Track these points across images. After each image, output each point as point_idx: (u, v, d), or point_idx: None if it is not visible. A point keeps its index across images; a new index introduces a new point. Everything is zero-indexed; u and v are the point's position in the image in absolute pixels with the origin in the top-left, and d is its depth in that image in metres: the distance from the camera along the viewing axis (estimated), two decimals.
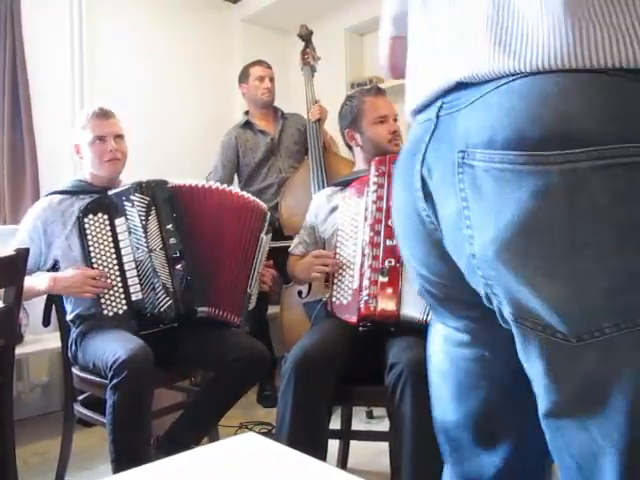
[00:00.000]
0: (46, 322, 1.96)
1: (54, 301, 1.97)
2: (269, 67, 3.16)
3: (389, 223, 1.68)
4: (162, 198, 1.91)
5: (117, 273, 1.86)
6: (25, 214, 2.00)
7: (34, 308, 2.25)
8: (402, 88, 3.56)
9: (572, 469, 0.66)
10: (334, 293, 1.76)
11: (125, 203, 1.89)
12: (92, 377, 1.82)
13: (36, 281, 1.85)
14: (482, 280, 0.69)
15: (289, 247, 2.09)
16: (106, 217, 1.89)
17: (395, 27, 0.97)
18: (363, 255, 1.70)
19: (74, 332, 1.92)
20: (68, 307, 1.97)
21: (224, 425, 2.13)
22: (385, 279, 1.65)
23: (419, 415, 1.42)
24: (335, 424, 1.86)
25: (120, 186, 1.96)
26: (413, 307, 1.61)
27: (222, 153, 3.08)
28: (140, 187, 1.89)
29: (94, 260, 1.86)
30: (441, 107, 0.73)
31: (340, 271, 1.76)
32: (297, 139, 3.13)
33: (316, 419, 1.56)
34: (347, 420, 2.07)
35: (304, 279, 1.96)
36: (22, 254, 1.54)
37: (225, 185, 2.03)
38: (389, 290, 1.64)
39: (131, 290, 1.85)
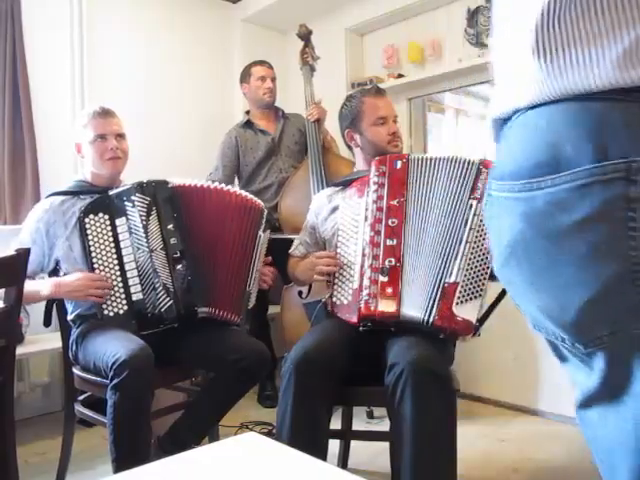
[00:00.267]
0: (47, 322, 1.96)
1: (55, 301, 1.97)
2: (270, 67, 3.16)
3: (389, 223, 1.68)
4: (163, 198, 1.91)
5: (118, 273, 1.86)
6: (25, 214, 2.00)
7: (35, 308, 2.25)
8: (402, 88, 3.58)
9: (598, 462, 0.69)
10: (334, 293, 1.76)
11: (126, 203, 1.89)
12: (93, 377, 1.82)
13: (40, 286, 1.85)
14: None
15: (288, 240, 2.09)
16: (107, 217, 1.89)
17: None
18: (363, 255, 1.70)
19: (74, 332, 1.92)
20: (69, 307, 1.97)
21: (224, 425, 2.14)
22: (385, 279, 1.65)
23: (419, 415, 1.42)
24: (335, 424, 1.86)
25: (121, 186, 1.96)
26: (413, 307, 1.61)
27: (222, 153, 3.08)
28: (141, 187, 1.89)
29: (95, 260, 1.86)
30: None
31: (340, 271, 1.76)
32: (298, 139, 3.13)
33: (316, 419, 1.56)
34: (347, 420, 2.07)
35: (306, 280, 1.96)
36: (23, 254, 1.55)
37: (224, 185, 2.03)
38: (389, 290, 1.64)
39: (132, 290, 1.85)
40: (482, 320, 1.60)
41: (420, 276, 1.63)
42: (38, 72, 2.91)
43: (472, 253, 1.58)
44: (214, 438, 2.02)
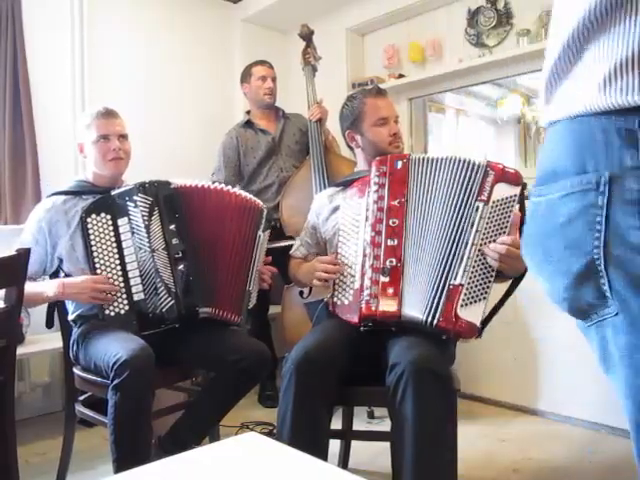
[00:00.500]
0: (50, 324, 1.96)
1: (57, 302, 1.97)
2: (271, 67, 3.16)
3: (390, 223, 1.68)
4: (165, 198, 1.91)
5: (119, 273, 1.86)
6: (26, 214, 2.00)
7: (35, 308, 2.25)
8: (403, 88, 3.57)
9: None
10: (335, 293, 1.76)
11: (128, 203, 1.89)
12: (93, 377, 1.82)
13: (44, 287, 1.85)
14: None
15: (289, 246, 2.09)
16: (109, 217, 1.89)
17: None
18: (364, 255, 1.70)
19: (75, 332, 1.93)
20: (70, 307, 1.97)
21: (225, 425, 2.14)
22: (386, 279, 1.65)
23: (420, 415, 1.42)
24: (336, 424, 1.86)
25: (123, 186, 1.97)
26: (414, 307, 1.61)
27: (223, 153, 3.08)
28: (143, 187, 1.89)
29: (97, 260, 1.86)
30: None
31: (341, 271, 1.76)
32: (298, 139, 3.13)
33: (317, 419, 1.56)
34: (348, 420, 2.07)
35: (307, 284, 1.95)
36: (23, 255, 1.55)
37: (223, 185, 2.04)
38: (390, 290, 1.64)
39: (133, 290, 1.85)
40: (485, 322, 1.59)
41: (422, 276, 1.62)
42: (38, 72, 2.91)
43: (478, 256, 1.57)
44: (215, 438, 2.03)
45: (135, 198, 1.88)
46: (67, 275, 1.90)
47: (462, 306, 1.55)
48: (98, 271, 1.86)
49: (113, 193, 1.93)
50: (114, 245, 1.88)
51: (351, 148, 2.04)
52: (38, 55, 2.92)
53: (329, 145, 2.99)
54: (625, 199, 0.70)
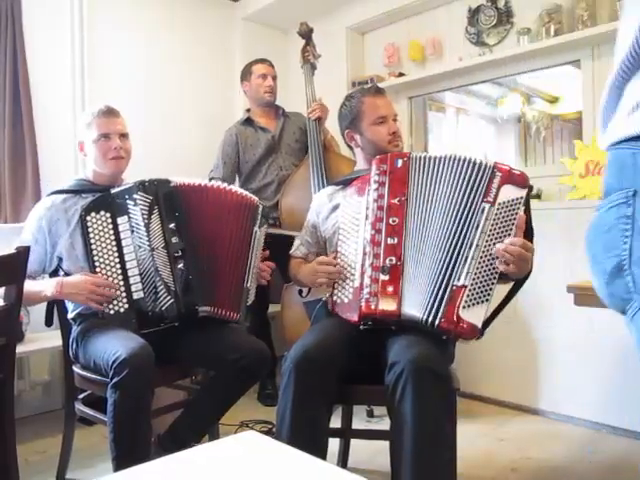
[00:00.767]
0: (49, 322, 1.96)
1: (56, 300, 1.97)
2: (271, 65, 3.15)
3: (390, 221, 1.67)
4: (164, 197, 1.91)
5: (119, 272, 1.86)
6: (26, 213, 2.00)
7: (35, 306, 2.25)
8: (403, 87, 3.57)
9: None
10: (335, 292, 1.76)
11: (128, 202, 1.89)
12: (93, 375, 1.82)
13: (43, 286, 1.85)
14: None
15: (290, 242, 2.08)
16: (109, 215, 1.89)
17: None
18: (364, 253, 1.70)
19: (75, 330, 1.93)
20: (69, 305, 1.97)
21: (225, 423, 2.14)
22: (386, 277, 1.65)
23: (419, 414, 1.42)
24: (335, 423, 1.86)
25: (123, 185, 1.96)
26: (414, 306, 1.61)
27: (222, 150, 3.08)
28: (143, 186, 1.89)
29: (96, 259, 1.86)
30: None
31: (341, 270, 1.76)
32: (298, 137, 3.13)
33: (316, 418, 1.56)
34: (347, 419, 2.07)
35: (308, 285, 1.95)
36: (22, 253, 1.55)
37: (221, 183, 2.04)
38: (390, 288, 1.64)
39: (133, 289, 1.85)
40: (486, 324, 1.59)
41: (422, 275, 1.62)
42: (38, 71, 2.90)
43: (482, 257, 1.56)
44: (214, 436, 2.03)
45: (135, 196, 1.88)
46: (66, 274, 1.90)
47: (464, 307, 1.54)
48: (97, 269, 1.86)
49: (113, 191, 1.93)
50: (114, 243, 1.88)
51: (350, 147, 2.04)
52: (38, 55, 2.91)
53: (328, 144, 2.98)
54: None
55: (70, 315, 1.96)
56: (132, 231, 1.87)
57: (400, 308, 1.62)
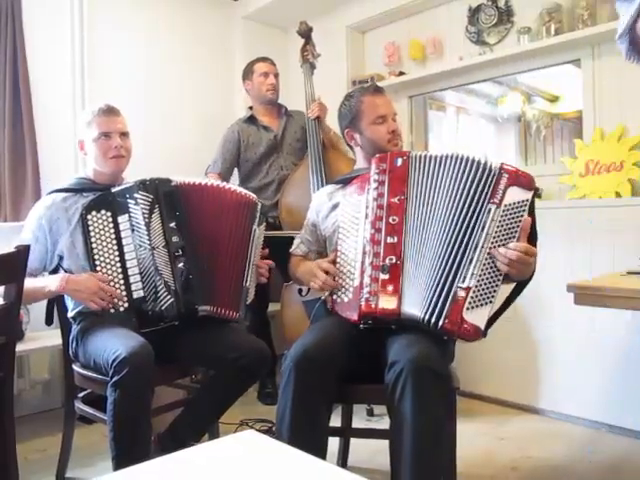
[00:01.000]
0: (49, 321, 1.96)
1: (56, 299, 1.97)
2: (273, 64, 3.15)
3: (390, 220, 1.67)
4: (165, 196, 1.91)
5: (119, 270, 1.86)
6: (26, 211, 2.00)
7: (35, 305, 2.25)
8: (403, 86, 3.57)
9: None
10: (335, 290, 1.76)
11: (128, 201, 1.89)
12: (93, 374, 1.82)
13: (47, 281, 1.85)
14: None
15: (290, 241, 2.08)
16: (109, 214, 1.89)
17: None
18: (364, 252, 1.70)
19: (75, 329, 1.93)
20: (69, 304, 1.97)
21: (224, 422, 2.14)
22: (386, 276, 1.64)
23: (419, 413, 1.42)
24: (335, 422, 1.86)
25: (123, 184, 1.96)
26: (414, 305, 1.61)
27: (223, 146, 3.07)
28: (144, 185, 1.89)
29: (96, 257, 1.86)
30: None
31: (341, 268, 1.76)
32: (300, 136, 3.12)
33: (316, 416, 1.56)
34: (347, 418, 2.08)
35: (305, 284, 1.95)
36: (22, 251, 1.54)
37: (220, 182, 2.04)
38: (390, 287, 1.63)
39: (133, 288, 1.85)
40: (488, 325, 1.58)
41: (423, 274, 1.61)
42: (38, 70, 2.90)
43: (487, 259, 1.55)
44: (214, 435, 2.03)
45: (136, 195, 1.88)
46: (67, 272, 1.90)
47: (468, 309, 1.53)
48: (98, 268, 1.86)
49: (114, 190, 1.93)
50: (114, 242, 1.88)
51: (350, 146, 2.04)
52: (38, 54, 2.91)
53: (332, 142, 2.95)
54: None
55: (70, 314, 1.96)
56: (133, 230, 1.87)
57: (400, 307, 1.61)
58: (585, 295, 1.60)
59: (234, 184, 2.63)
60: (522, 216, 1.55)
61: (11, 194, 2.78)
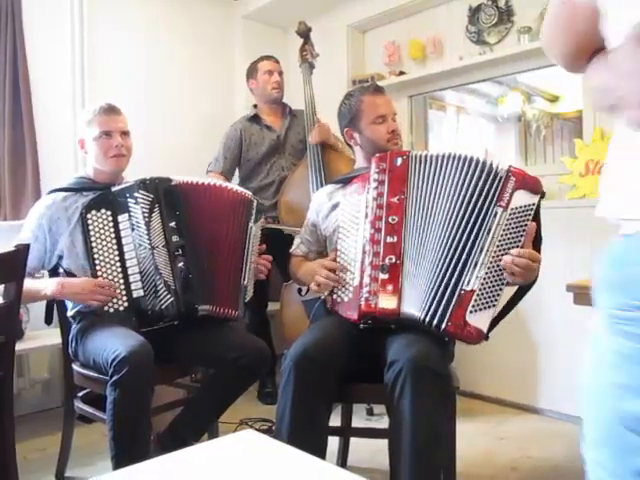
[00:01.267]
0: (49, 320, 1.96)
1: (55, 299, 1.97)
2: (277, 61, 3.14)
3: (390, 220, 1.67)
4: (165, 195, 1.91)
5: (119, 270, 1.86)
6: (26, 210, 1.99)
7: (35, 304, 2.25)
8: (403, 85, 3.56)
9: None
10: (335, 290, 1.76)
11: (129, 200, 1.89)
12: (92, 373, 1.82)
13: (43, 285, 1.85)
14: None
15: (290, 240, 2.08)
16: (109, 213, 1.89)
17: None
18: (364, 252, 1.70)
19: (74, 328, 1.93)
20: (69, 303, 1.97)
21: (224, 422, 2.14)
22: (386, 276, 1.65)
23: (418, 412, 1.42)
24: (335, 421, 1.86)
25: (123, 183, 1.96)
26: (414, 305, 1.61)
27: (225, 144, 3.05)
28: (144, 184, 1.89)
29: (96, 256, 1.86)
30: None
31: (341, 268, 1.76)
32: (303, 137, 3.09)
33: (316, 416, 1.56)
34: (347, 417, 2.08)
35: (306, 284, 1.95)
36: (22, 250, 1.55)
37: (218, 180, 2.04)
38: (390, 287, 1.63)
39: (132, 287, 1.85)
40: (490, 328, 1.58)
41: (423, 275, 1.61)
42: (38, 70, 2.90)
43: (491, 263, 1.55)
44: (214, 435, 2.03)
45: (136, 195, 1.88)
46: (66, 271, 1.90)
47: (472, 312, 1.53)
48: (97, 267, 1.86)
49: (114, 189, 1.93)
50: (114, 242, 1.88)
51: (350, 146, 2.04)
52: (38, 54, 2.91)
53: (335, 147, 2.92)
54: None
55: (70, 313, 1.96)
56: (133, 229, 1.87)
57: (400, 307, 1.62)
58: (584, 295, 1.60)
59: (234, 184, 2.63)
60: (528, 220, 1.54)
61: (11, 193, 2.78)
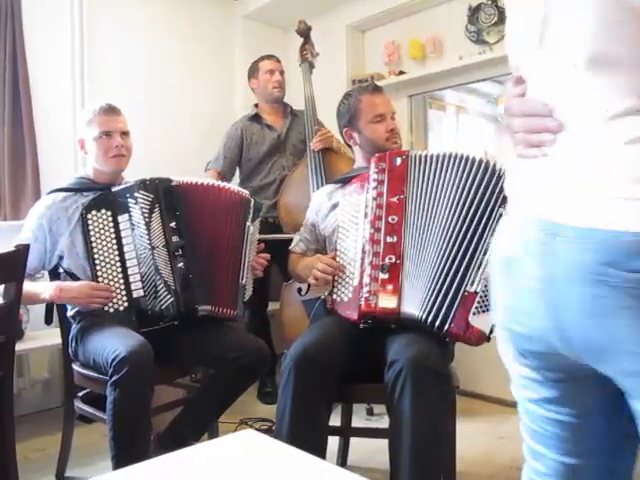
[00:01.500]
0: (49, 320, 1.96)
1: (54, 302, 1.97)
2: (278, 61, 3.13)
3: (389, 220, 1.67)
4: (165, 195, 1.91)
5: (119, 270, 1.86)
6: (25, 210, 2.00)
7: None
8: (403, 85, 3.56)
9: None
10: (334, 290, 1.76)
11: (129, 200, 1.89)
12: (92, 373, 1.82)
13: (41, 288, 1.85)
14: None
15: (289, 240, 2.08)
16: (109, 213, 1.89)
17: None
18: (363, 252, 1.70)
19: (74, 328, 1.93)
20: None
21: (224, 421, 2.14)
22: (386, 276, 1.65)
23: (418, 412, 1.42)
24: (335, 421, 1.86)
25: (123, 183, 1.96)
26: (414, 304, 1.61)
27: (225, 143, 3.05)
28: (144, 184, 1.90)
29: (96, 257, 1.87)
30: None
31: (341, 267, 1.76)
32: (304, 137, 3.08)
33: (316, 416, 1.56)
34: (347, 417, 2.08)
35: (305, 278, 1.95)
36: (22, 251, 1.55)
37: (216, 180, 2.04)
38: (389, 287, 1.64)
39: (132, 287, 1.86)
40: (492, 330, 1.58)
41: (423, 275, 1.61)
42: (38, 70, 2.90)
43: None
44: (214, 434, 2.03)
45: (136, 195, 1.88)
46: (66, 271, 1.90)
47: (474, 314, 1.54)
48: (97, 267, 1.86)
49: (114, 190, 1.93)
50: (114, 242, 1.88)
51: (349, 146, 2.04)
52: (38, 54, 2.91)
53: (337, 150, 2.91)
54: None
55: (70, 313, 1.96)
56: (133, 229, 1.87)
57: (400, 306, 1.62)
58: None
59: (234, 183, 2.63)
60: None
61: (11, 193, 2.78)
